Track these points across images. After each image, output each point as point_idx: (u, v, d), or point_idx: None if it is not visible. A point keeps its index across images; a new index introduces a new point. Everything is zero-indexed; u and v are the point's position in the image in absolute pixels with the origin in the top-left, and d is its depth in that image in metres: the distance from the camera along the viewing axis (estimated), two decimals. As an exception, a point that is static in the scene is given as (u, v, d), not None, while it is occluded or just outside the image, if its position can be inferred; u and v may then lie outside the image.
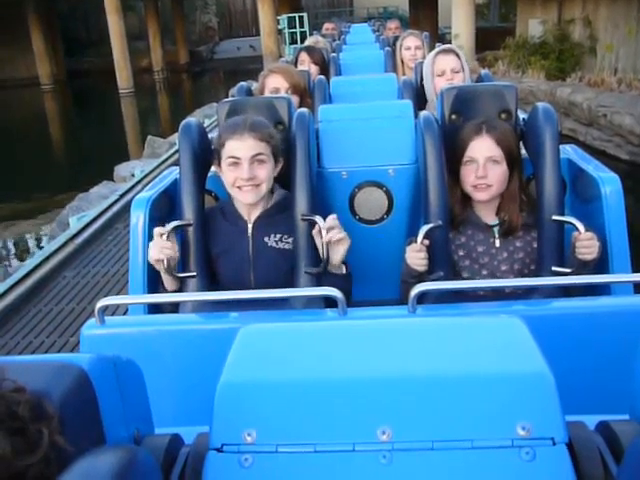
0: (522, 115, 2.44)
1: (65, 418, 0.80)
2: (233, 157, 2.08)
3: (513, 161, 2.15)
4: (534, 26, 14.19)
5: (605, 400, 1.33)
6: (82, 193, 8.50)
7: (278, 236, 2.16)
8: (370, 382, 0.94)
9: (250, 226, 2.17)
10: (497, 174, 2.11)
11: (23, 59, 25.17)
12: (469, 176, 2.13)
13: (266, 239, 2.16)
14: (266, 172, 2.10)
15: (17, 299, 4.86)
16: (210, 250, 2.19)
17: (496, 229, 2.17)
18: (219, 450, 0.92)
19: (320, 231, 2.05)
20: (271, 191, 2.20)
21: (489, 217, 2.19)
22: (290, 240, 2.17)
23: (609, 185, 2.15)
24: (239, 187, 2.08)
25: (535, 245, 2.16)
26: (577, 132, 10.64)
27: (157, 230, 2.04)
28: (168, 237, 2.04)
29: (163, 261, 2.02)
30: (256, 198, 2.11)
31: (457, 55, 3.13)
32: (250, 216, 2.18)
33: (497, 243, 2.17)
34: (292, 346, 1.05)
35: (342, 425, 0.91)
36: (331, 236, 2.02)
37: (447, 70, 3.07)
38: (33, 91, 24.19)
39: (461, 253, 2.18)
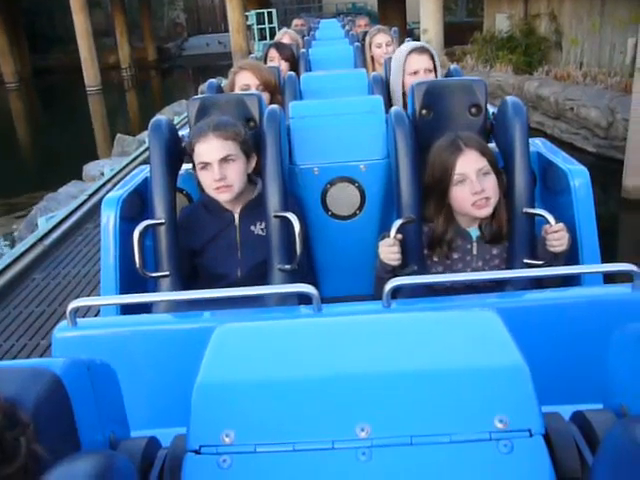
0: (491, 109, 2.46)
1: (39, 425, 0.78)
2: (202, 162, 2.14)
3: (496, 168, 2.09)
4: (501, 20, 14.32)
5: (579, 390, 1.35)
6: (50, 193, 8.35)
7: (263, 224, 2.22)
8: (347, 379, 0.94)
9: (237, 216, 2.23)
10: (491, 185, 2.04)
11: (-15, 57, 24.61)
12: (465, 194, 2.03)
13: (252, 227, 2.23)
14: (236, 171, 2.14)
15: (-15, 302, 4.77)
16: (191, 245, 2.23)
17: (474, 236, 2.14)
18: (197, 452, 0.91)
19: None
20: (254, 182, 2.26)
21: (469, 224, 2.14)
22: None
23: (578, 178, 2.18)
24: (216, 188, 2.13)
25: None
26: (545, 125, 10.78)
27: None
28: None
29: None
30: (231, 197, 2.16)
31: (431, 55, 3.07)
32: (235, 207, 2.24)
33: (474, 250, 2.14)
34: (268, 345, 1.05)
35: (321, 423, 0.91)
36: None
37: (420, 70, 3.02)
38: (-3, 89, 23.73)
39: (435, 259, 2.16)
